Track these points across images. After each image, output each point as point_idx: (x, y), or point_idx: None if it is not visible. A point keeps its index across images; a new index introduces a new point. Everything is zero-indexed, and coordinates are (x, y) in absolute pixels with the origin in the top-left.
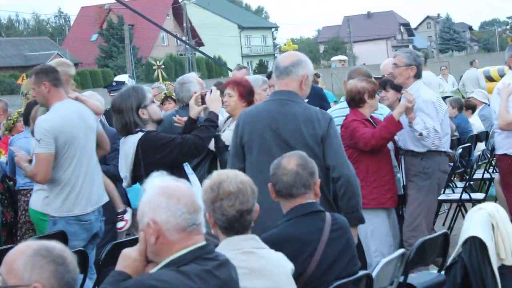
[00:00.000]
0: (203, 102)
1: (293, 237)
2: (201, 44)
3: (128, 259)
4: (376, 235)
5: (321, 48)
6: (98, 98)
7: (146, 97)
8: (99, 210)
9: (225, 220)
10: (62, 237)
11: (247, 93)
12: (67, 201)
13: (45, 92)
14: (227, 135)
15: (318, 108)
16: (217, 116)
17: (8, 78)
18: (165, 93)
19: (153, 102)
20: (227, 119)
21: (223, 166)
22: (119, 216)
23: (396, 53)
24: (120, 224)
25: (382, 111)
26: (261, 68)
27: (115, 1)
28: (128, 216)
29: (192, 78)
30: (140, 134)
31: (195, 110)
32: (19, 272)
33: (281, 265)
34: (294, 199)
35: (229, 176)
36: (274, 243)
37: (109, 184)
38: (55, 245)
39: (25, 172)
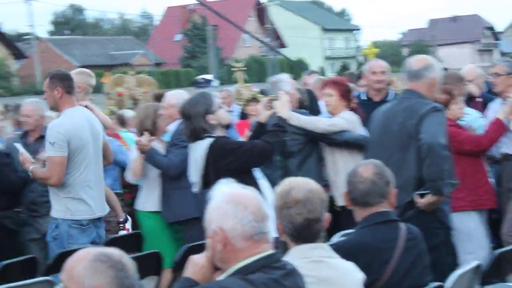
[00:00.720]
0: (272, 107)
1: (368, 245)
2: (284, 46)
3: (196, 266)
4: (471, 237)
5: (405, 51)
6: (183, 97)
7: (214, 102)
8: (100, 218)
9: (292, 228)
10: (139, 238)
11: (346, 92)
12: (71, 205)
13: (57, 97)
14: (336, 121)
15: (430, 102)
16: (285, 121)
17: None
18: (252, 95)
19: (221, 107)
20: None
21: (289, 173)
22: (121, 225)
23: (495, 62)
24: (122, 232)
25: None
26: (344, 71)
27: (198, 2)
28: (129, 225)
29: (285, 78)
30: (209, 140)
31: (264, 115)
32: (79, 278)
33: (351, 274)
34: (369, 207)
35: (299, 184)
36: (348, 250)
37: (110, 194)
38: (114, 251)
39: (35, 174)
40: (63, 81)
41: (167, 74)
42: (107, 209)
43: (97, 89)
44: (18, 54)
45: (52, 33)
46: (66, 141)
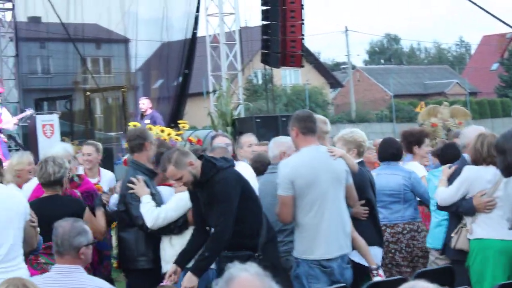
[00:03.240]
0: None
1: None
2: None
3: None
4: None
5: None
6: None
7: None
8: (343, 258)
9: None
10: (451, 272)
11: None
12: (308, 244)
13: (293, 136)
14: None
15: None
16: None
17: (406, 106)
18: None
19: None
20: None
21: None
22: (374, 272)
23: None
24: (376, 279)
25: None
26: None
27: None
28: (381, 271)
29: None
30: None
31: None
32: None
33: None
34: None
35: None
36: None
37: (358, 239)
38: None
39: None
40: (300, 122)
41: (482, 104)
42: (349, 250)
43: (410, 118)
44: (334, 83)
45: (367, 62)
46: (289, 181)
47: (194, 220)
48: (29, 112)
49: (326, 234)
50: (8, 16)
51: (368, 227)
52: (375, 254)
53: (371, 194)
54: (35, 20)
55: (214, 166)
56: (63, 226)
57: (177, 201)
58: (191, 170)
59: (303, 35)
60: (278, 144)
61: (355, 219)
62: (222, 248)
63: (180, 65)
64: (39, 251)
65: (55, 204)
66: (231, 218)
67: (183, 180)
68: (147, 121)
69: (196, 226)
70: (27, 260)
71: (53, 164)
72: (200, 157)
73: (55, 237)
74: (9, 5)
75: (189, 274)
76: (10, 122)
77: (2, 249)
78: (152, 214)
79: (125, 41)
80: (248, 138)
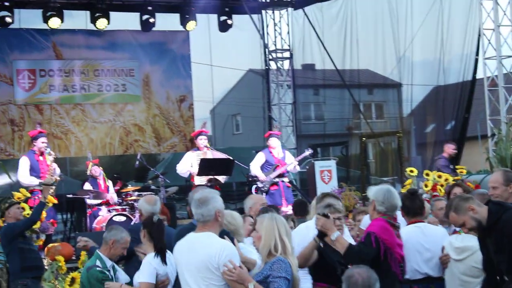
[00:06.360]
0: None
1: None
2: None
3: None
4: None
5: None
6: None
7: None
8: None
9: None
10: None
11: None
12: None
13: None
14: None
15: None
16: None
17: None
18: None
19: None
20: None
21: None
22: None
23: None
24: None
25: None
26: None
27: None
28: None
29: None
30: None
31: None
32: None
33: None
34: None
35: None
36: None
37: None
38: None
39: None
40: None
41: None
42: None
43: None
44: None
45: None
46: None
47: (485, 270)
48: (307, 152)
49: None
50: (286, 64)
51: None
52: None
53: None
54: (309, 67)
55: (501, 206)
56: (359, 273)
57: None
58: (473, 215)
59: None
60: None
61: None
62: None
63: (456, 109)
64: None
65: None
66: None
67: (466, 226)
68: None
69: (488, 276)
70: None
71: None
72: (487, 202)
73: (354, 286)
74: (287, 54)
75: None
76: (293, 164)
77: None
78: None
79: (398, 85)
80: None
